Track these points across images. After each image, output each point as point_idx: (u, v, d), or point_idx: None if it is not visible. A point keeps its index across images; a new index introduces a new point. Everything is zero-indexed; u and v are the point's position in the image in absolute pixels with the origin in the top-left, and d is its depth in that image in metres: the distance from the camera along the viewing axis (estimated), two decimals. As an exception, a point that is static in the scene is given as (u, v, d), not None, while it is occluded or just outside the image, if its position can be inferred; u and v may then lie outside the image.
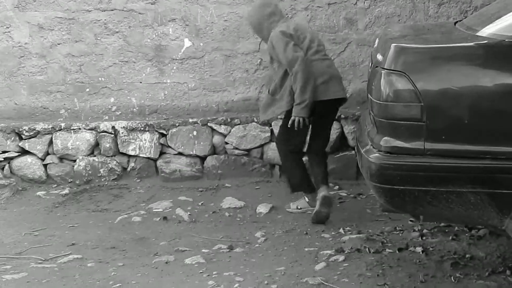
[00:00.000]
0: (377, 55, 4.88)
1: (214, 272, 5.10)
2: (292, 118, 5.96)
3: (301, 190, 6.38)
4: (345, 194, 6.92)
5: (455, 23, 5.33)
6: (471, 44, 4.48)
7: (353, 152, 7.23)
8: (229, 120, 7.43)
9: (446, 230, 5.63)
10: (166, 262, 5.38)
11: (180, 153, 7.50)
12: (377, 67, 4.72)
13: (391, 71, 4.43)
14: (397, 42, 4.60)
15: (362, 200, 6.76)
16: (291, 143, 6.21)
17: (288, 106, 6.07)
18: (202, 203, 6.88)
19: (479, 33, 4.59)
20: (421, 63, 4.42)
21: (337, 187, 7.12)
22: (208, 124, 7.45)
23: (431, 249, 5.29)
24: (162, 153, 7.54)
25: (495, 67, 4.30)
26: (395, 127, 4.43)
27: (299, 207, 6.43)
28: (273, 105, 6.23)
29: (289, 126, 6.02)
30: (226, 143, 7.46)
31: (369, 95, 4.87)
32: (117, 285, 4.99)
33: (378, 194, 4.56)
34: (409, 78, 4.34)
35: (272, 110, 6.26)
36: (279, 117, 6.62)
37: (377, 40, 5.36)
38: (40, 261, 5.53)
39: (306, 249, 5.51)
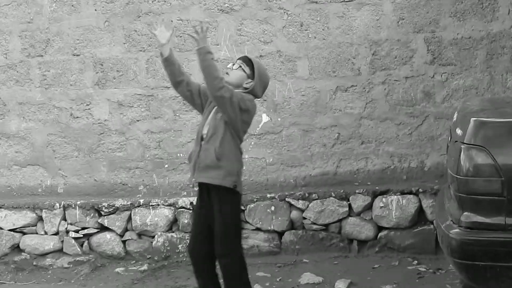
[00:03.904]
0: (456, 129, 4.85)
1: None
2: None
3: None
4: (424, 269, 6.77)
5: (534, 94, 5.31)
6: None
7: (431, 226, 7.14)
8: (307, 195, 7.39)
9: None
10: None
11: (258, 229, 7.45)
12: (456, 141, 4.69)
13: (470, 145, 4.42)
14: (476, 117, 4.59)
15: (441, 275, 6.59)
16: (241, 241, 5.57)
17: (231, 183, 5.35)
18: (280, 279, 6.80)
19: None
20: (501, 137, 4.41)
21: (416, 261, 6.99)
22: (286, 199, 7.40)
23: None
24: (240, 228, 7.49)
25: None
26: (476, 202, 4.41)
27: None
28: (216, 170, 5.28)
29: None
30: (304, 218, 7.39)
31: (448, 169, 4.83)
32: None
33: (459, 269, 4.51)
34: (489, 152, 4.32)
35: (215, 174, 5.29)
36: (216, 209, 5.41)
37: (455, 114, 5.35)
38: None
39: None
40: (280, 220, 7.39)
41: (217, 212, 5.29)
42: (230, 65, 5.51)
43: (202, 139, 5.35)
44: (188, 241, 7.20)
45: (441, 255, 6.11)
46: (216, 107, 5.27)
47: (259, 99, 5.68)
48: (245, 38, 7.66)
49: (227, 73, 5.39)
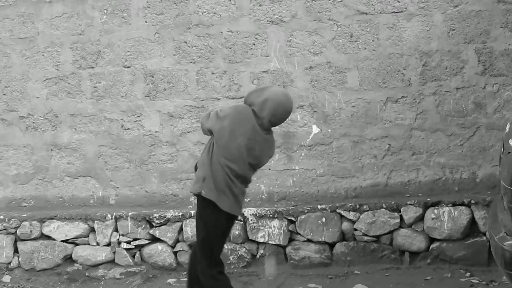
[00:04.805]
0: (509, 141, 4.83)
1: None
2: None
3: None
4: (477, 281, 6.73)
5: None
6: None
7: (484, 238, 7.09)
8: (358, 206, 7.37)
9: None
10: None
11: (309, 240, 7.43)
12: (509, 153, 4.67)
13: (524, 158, 4.39)
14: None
15: (494, 288, 6.56)
16: (216, 258, 5.56)
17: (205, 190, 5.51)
18: (332, 290, 6.77)
19: None
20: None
21: (468, 273, 6.95)
22: (337, 210, 7.39)
23: None
24: (291, 240, 7.49)
25: None
26: (529, 214, 4.37)
27: None
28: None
29: None
30: (355, 229, 7.38)
31: (501, 181, 4.81)
32: None
33: (514, 282, 4.48)
34: (542, 164, 4.30)
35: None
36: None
37: (508, 125, 5.31)
38: None
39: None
40: (331, 231, 7.38)
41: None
42: None
43: None
44: (238, 251, 7.27)
45: (494, 267, 6.11)
46: None
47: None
48: (295, 49, 7.67)
49: None
